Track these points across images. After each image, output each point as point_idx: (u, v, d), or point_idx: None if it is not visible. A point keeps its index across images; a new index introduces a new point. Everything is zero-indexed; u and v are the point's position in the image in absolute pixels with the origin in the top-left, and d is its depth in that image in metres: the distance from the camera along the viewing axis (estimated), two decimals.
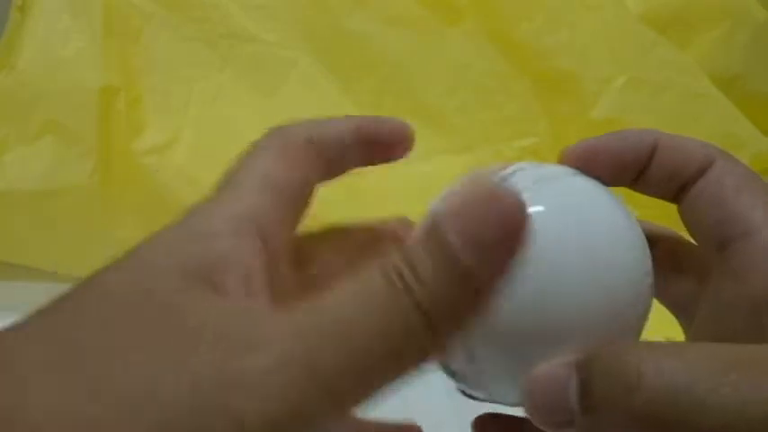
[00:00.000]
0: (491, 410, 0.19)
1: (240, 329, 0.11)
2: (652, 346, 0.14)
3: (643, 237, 0.17)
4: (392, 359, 0.11)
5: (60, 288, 0.48)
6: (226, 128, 0.50)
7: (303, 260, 0.19)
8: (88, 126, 0.44)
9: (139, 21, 0.48)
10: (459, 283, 0.11)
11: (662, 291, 0.20)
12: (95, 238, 0.45)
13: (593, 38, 0.51)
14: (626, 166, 0.19)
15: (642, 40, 0.52)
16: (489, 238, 0.11)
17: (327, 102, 0.52)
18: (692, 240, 0.21)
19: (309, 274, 0.19)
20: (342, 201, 0.49)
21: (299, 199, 0.17)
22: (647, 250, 0.17)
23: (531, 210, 0.13)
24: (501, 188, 0.13)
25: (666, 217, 0.52)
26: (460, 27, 0.52)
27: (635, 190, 0.20)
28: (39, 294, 0.47)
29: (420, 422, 0.35)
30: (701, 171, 0.19)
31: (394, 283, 0.11)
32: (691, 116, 0.51)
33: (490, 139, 0.53)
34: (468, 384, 0.16)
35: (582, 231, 0.15)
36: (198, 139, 0.48)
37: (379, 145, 0.19)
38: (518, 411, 0.16)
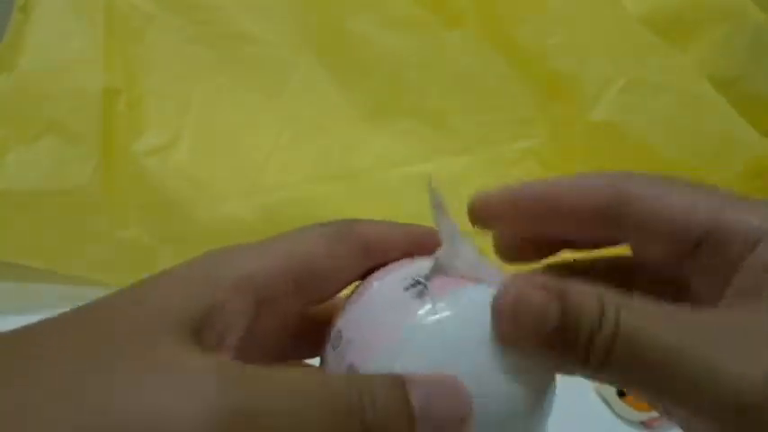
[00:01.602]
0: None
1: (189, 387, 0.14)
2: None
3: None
4: None
5: (60, 288, 0.48)
6: (226, 129, 0.50)
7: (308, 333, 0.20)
8: (90, 127, 0.44)
9: (141, 22, 0.49)
10: None
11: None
12: (96, 239, 0.45)
13: (592, 40, 0.51)
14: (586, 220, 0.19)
15: (641, 42, 0.52)
16: (446, 426, 0.15)
17: (328, 103, 0.53)
18: None
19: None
20: (342, 200, 0.49)
21: (324, 282, 0.18)
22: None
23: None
24: (462, 386, 0.15)
25: None
26: (460, 29, 0.53)
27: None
28: (39, 294, 0.47)
29: None
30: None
31: (352, 399, 0.14)
32: (690, 118, 0.51)
33: (490, 140, 0.53)
34: None
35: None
36: (199, 140, 0.49)
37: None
38: None
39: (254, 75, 0.51)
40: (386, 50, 0.52)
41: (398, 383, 0.15)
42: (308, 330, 0.20)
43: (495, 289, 0.17)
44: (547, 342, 0.16)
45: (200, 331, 0.15)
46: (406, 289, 0.17)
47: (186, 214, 0.46)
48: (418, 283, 0.17)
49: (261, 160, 0.49)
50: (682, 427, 0.18)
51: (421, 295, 0.17)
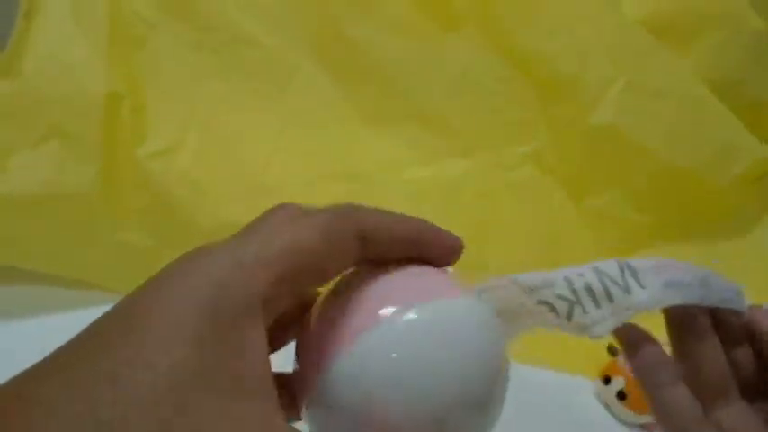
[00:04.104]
0: None
1: None
2: None
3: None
4: None
5: (63, 292, 0.48)
6: (228, 134, 0.51)
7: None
8: (92, 132, 0.44)
9: (144, 28, 0.49)
10: None
11: None
12: (99, 243, 0.45)
13: (592, 43, 0.51)
14: None
15: (641, 46, 0.52)
16: None
17: (329, 107, 0.53)
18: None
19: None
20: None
21: (317, 276, 0.17)
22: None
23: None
24: None
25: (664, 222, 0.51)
26: (461, 33, 0.53)
27: None
28: (42, 298, 0.48)
29: None
30: None
31: None
32: (689, 122, 0.51)
33: (490, 143, 0.53)
34: None
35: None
36: (201, 144, 0.49)
37: (428, 253, 0.19)
38: None
39: (255, 80, 0.52)
40: (386, 55, 0.52)
41: None
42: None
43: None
44: None
45: (242, 377, 0.14)
46: None
47: (188, 218, 0.46)
48: None
49: (262, 164, 0.50)
50: None
51: None
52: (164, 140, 0.47)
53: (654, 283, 0.19)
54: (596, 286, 0.18)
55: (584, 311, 0.18)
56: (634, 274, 0.19)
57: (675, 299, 0.20)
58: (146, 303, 0.14)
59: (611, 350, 0.43)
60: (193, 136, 0.49)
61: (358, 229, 0.17)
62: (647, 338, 0.22)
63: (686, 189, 0.52)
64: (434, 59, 0.53)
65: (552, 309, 0.18)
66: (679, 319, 0.22)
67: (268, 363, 0.15)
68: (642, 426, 0.40)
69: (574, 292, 0.18)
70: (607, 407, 0.41)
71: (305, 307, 0.19)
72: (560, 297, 0.18)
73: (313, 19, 0.52)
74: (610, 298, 0.18)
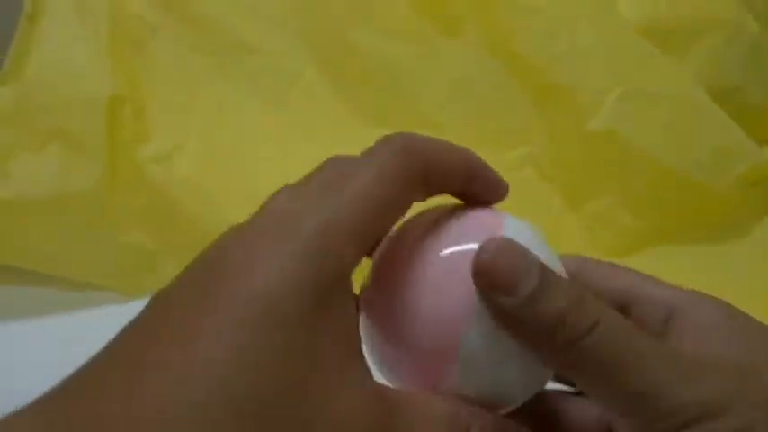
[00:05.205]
0: None
1: None
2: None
3: None
4: None
5: (64, 294, 0.48)
6: (229, 137, 0.51)
7: None
8: (95, 134, 0.44)
9: (145, 31, 0.49)
10: None
11: None
12: (101, 245, 0.46)
13: (590, 50, 0.51)
14: None
15: (639, 51, 0.52)
16: None
17: (329, 112, 0.53)
18: None
19: None
20: None
21: (384, 230, 0.18)
22: None
23: None
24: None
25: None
26: (460, 39, 0.53)
27: None
28: (45, 299, 0.48)
29: None
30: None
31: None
32: (687, 128, 0.51)
33: (488, 148, 0.53)
34: None
35: None
36: (203, 147, 0.49)
37: (481, 187, 0.20)
38: None
39: (256, 84, 0.52)
40: (386, 60, 0.53)
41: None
42: None
43: None
44: (514, 305, 0.16)
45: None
46: None
47: (189, 221, 0.46)
48: None
49: (263, 168, 0.50)
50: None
51: None
52: (165, 143, 0.48)
53: None
54: None
55: None
56: None
57: None
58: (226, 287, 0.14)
59: None
60: (195, 138, 0.49)
61: (422, 164, 0.17)
62: None
63: (685, 194, 0.53)
64: (434, 65, 0.53)
65: None
66: None
67: (358, 336, 0.16)
68: None
69: None
70: None
71: None
72: None
73: (314, 24, 0.53)
74: None
